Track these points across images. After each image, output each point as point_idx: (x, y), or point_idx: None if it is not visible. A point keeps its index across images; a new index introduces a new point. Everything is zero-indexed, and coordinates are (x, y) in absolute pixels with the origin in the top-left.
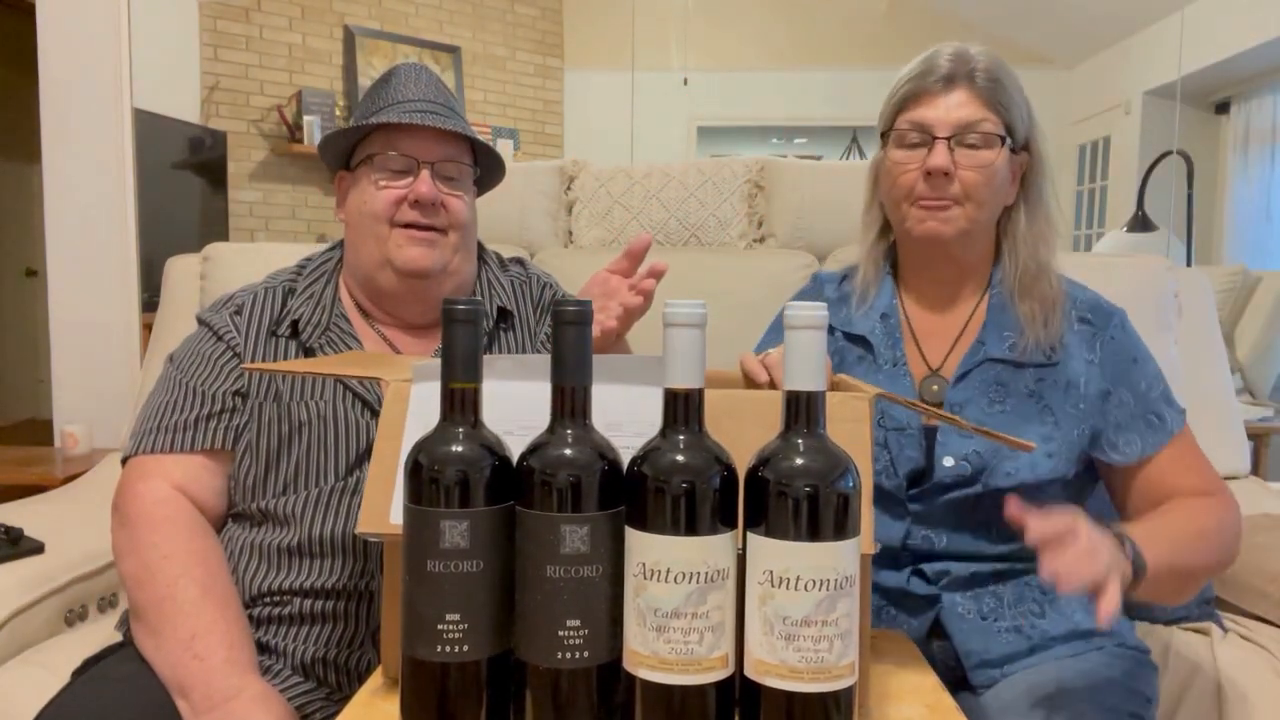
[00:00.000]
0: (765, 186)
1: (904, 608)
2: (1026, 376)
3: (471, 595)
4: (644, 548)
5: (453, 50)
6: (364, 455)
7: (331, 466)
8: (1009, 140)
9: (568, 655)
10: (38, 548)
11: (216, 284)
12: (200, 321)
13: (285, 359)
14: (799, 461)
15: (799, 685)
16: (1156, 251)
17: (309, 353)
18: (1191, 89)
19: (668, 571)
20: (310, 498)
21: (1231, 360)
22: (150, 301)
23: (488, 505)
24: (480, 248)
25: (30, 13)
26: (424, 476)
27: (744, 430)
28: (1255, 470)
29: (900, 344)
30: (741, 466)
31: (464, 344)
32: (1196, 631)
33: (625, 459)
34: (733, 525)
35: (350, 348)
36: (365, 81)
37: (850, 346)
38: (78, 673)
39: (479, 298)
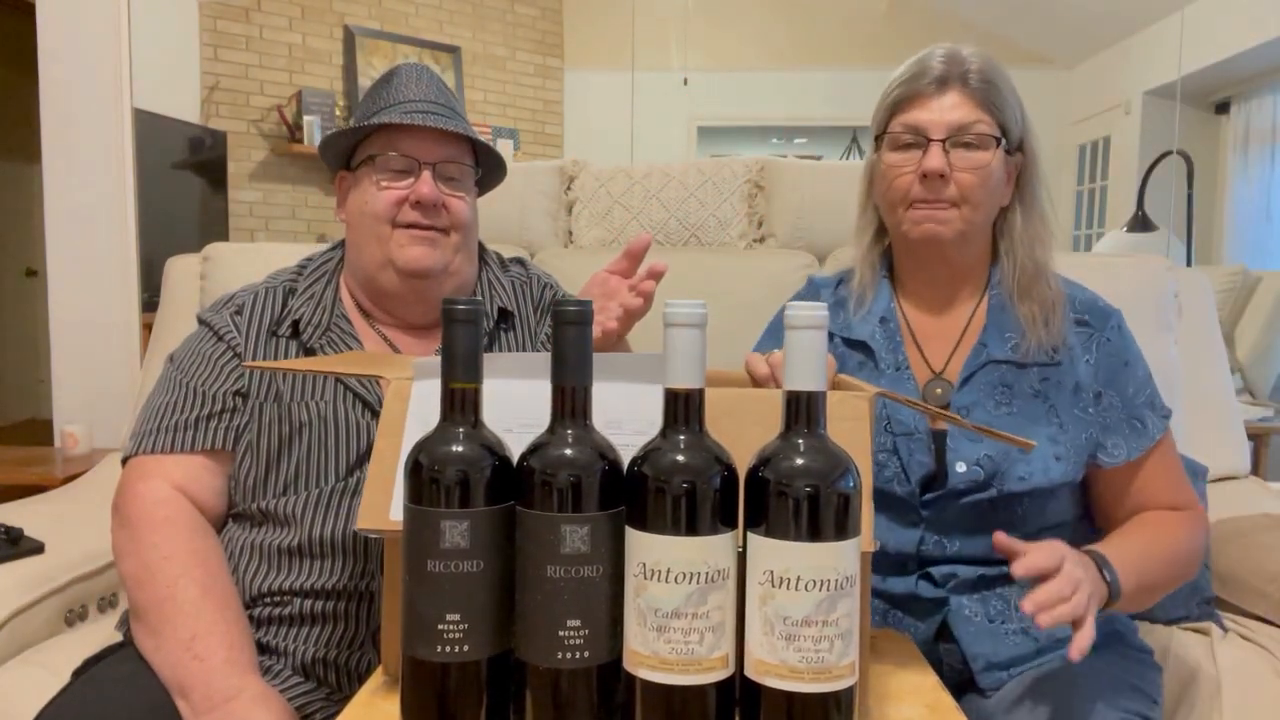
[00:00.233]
0: (765, 186)
1: (911, 611)
2: (1031, 376)
3: (472, 595)
4: (644, 548)
5: (453, 50)
6: (364, 456)
7: (332, 467)
8: (1003, 141)
9: (568, 655)
10: (38, 548)
11: (216, 284)
12: (201, 321)
13: (286, 359)
14: (799, 461)
15: (799, 685)
16: (1156, 251)
17: (309, 353)
18: (1191, 89)
19: (668, 571)
20: (310, 498)
21: (1231, 360)
22: (150, 301)
23: (488, 505)
24: (481, 248)
25: (30, 13)
26: (424, 476)
27: (744, 430)
28: (1255, 470)
29: (901, 347)
30: (742, 466)
31: (464, 344)
32: (1196, 631)
33: (625, 457)
34: (733, 525)
35: (351, 348)
36: (365, 81)
37: (850, 352)
38: (78, 673)
39: (479, 298)
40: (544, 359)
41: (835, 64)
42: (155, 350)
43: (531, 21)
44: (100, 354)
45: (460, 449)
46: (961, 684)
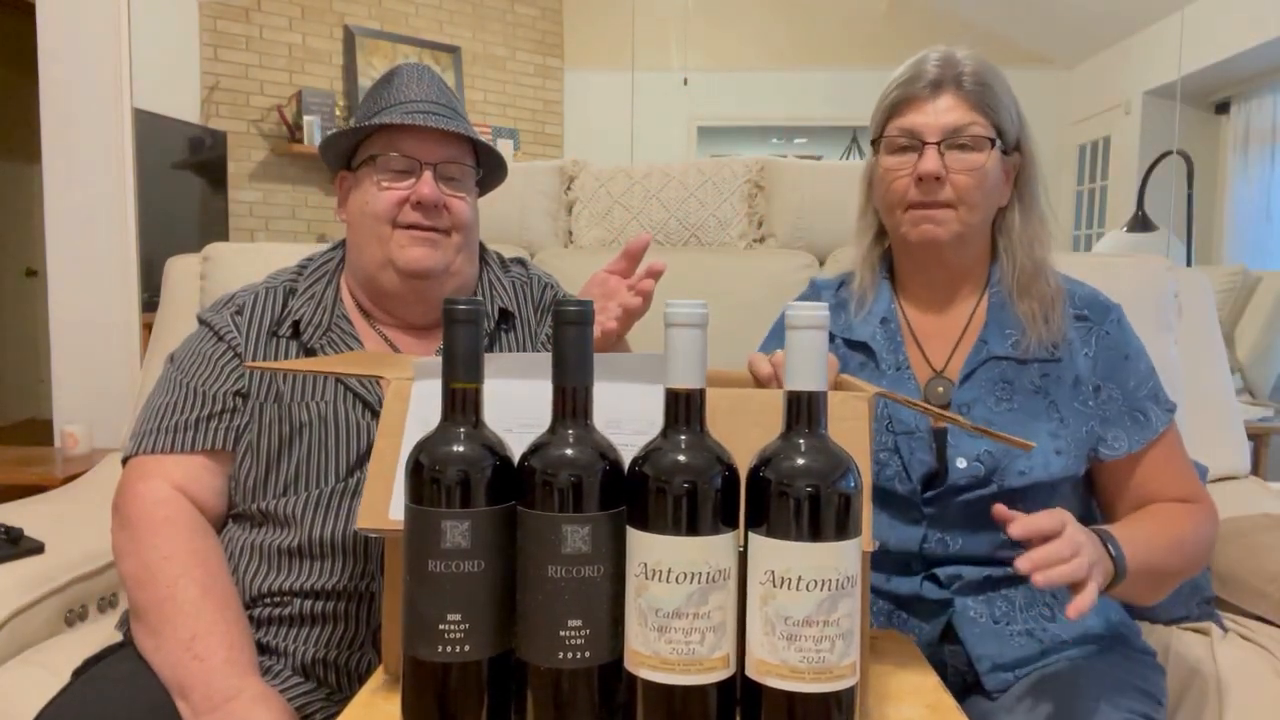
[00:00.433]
0: (765, 186)
1: (916, 612)
2: (1031, 372)
3: (473, 595)
4: (645, 548)
5: (453, 50)
6: (365, 457)
7: (332, 468)
8: (999, 142)
9: (569, 655)
10: (38, 548)
11: (216, 284)
12: (201, 321)
13: (286, 359)
14: (800, 462)
15: (800, 685)
16: (1156, 251)
17: (310, 353)
18: (1191, 89)
19: (669, 571)
20: (311, 499)
21: (1231, 360)
22: (150, 301)
23: (489, 505)
24: (481, 248)
25: (30, 13)
26: (425, 477)
27: (745, 430)
28: (1255, 470)
29: (902, 347)
30: (743, 466)
31: (465, 344)
32: (1196, 631)
33: (626, 457)
34: (734, 525)
35: (351, 348)
36: (365, 81)
37: (851, 353)
38: (78, 673)
39: (480, 298)
40: (545, 359)
41: (835, 64)
42: (155, 350)
43: (531, 21)
44: (100, 354)
45: (461, 449)
46: (966, 686)
